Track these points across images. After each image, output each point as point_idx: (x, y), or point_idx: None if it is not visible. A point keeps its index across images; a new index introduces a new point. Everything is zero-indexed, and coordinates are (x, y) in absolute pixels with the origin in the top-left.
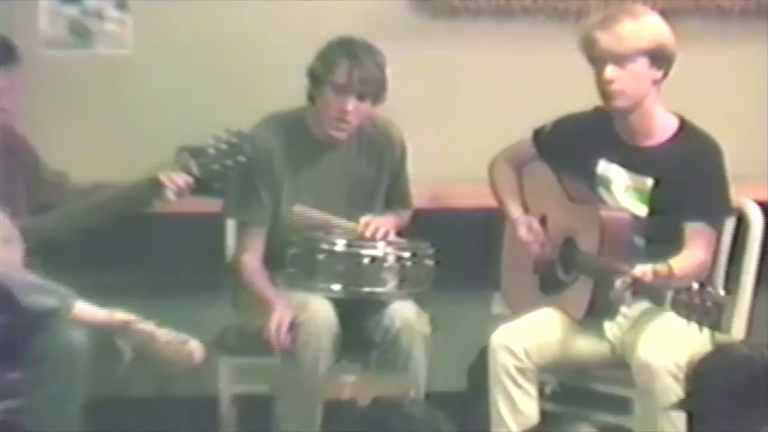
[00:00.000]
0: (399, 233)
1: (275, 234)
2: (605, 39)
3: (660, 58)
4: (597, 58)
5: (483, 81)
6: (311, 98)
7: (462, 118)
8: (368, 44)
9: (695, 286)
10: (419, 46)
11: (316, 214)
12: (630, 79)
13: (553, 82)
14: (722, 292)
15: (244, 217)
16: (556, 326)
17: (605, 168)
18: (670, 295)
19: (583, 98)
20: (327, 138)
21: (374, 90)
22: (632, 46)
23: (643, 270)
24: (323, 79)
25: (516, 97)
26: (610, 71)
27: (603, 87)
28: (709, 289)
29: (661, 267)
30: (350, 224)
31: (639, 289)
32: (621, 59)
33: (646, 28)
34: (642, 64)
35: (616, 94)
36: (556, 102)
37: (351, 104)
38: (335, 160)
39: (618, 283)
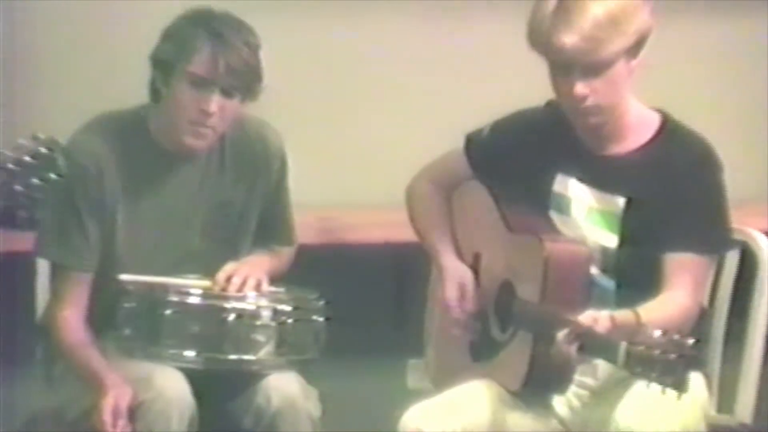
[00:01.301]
0: (276, 279)
1: (104, 281)
2: (573, 44)
3: (639, 46)
4: (560, 66)
5: (396, 71)
6: (155, 93)
7: (364, 121)
8: (235, 19)
9: (656, 333)
10: (304, 23)
11: (153, 281)
12: (608, 89)
13: (491, 69)
14: (690, 340)
15: (61, 258)
16: (487, 402)
17: (562, 184)
18: (623, 347)
19: (536, 91)
20: (179, 148)
21: (245, 82)
22: (611, 49)
23: (594, 317)
24: (175, 68)
25: (442, 92)
26: (581, 87)
27: (572, 102)
28: (674, 336)
29: (623, 314)
30: (203, 282)
31: (590, 343)
32: (596, 68)
33: (624, 15)
34: (621, 64)
35: (590, 111)
36: (498, 97)
37: (214, 102)
38: (189, 178)
39: (560, 336)
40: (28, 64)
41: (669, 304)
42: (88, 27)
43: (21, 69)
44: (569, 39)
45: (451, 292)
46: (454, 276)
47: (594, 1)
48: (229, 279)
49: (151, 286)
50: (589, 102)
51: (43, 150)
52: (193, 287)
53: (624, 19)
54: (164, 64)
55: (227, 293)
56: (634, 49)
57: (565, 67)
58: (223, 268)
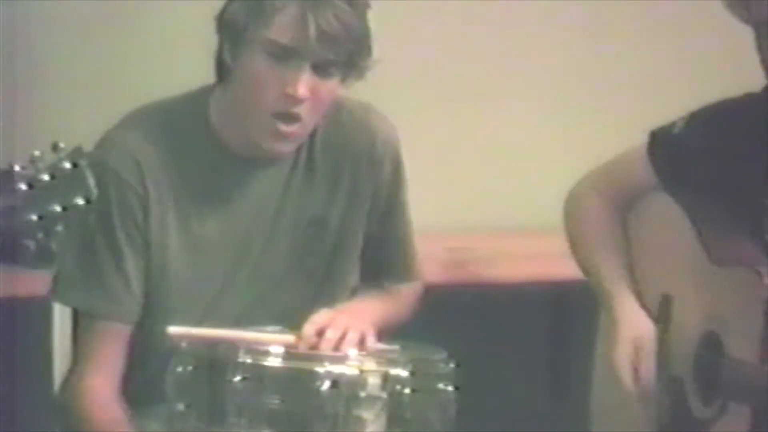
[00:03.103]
0: (390, 332)
1: (148, 337)
2: None
3: None
4: (760, 25)
5: (556, 56)
6: (222, 70)
7: (508, 117)
8: None
9: None
10: None
11: (215, 335)
12: None
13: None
14: None
15: (89, 304)
16: None
17: None
18: None
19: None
20: (255, 151)
21: (347, 55)
22: None
23: None
24: (248, 33)
25: (614, 78)
26: None
27: None
28: None
29: None
30: (285, 337)
31: None
32: None
33: None
34: None
35: None
36: (697, 83)
37: (304, 83)
38: (266, 189)
39: None
40: (28, 57)
41: None
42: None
43: (21, 65)
44: None
45: (623, 354)
46: (628, 329)
47: None
48: (321, 332)
49: (214, 343)
50: None
51: (66, 165)
52: (272, 343)
53: None
54: (233, 28)
55: (319, 352)
56: None
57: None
58: (312, 317)
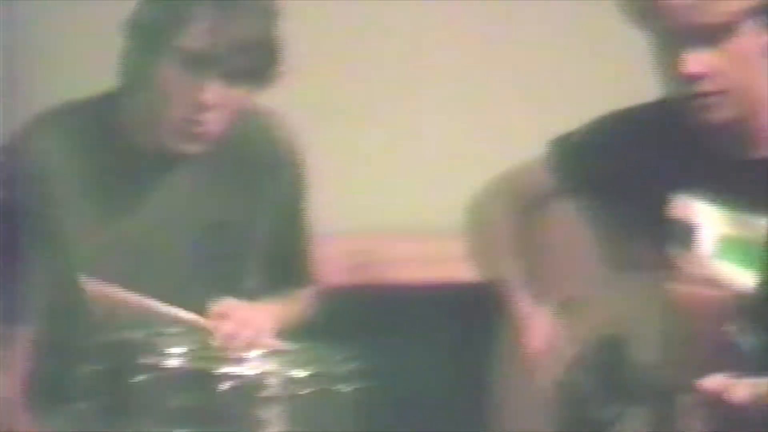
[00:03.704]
0: (289, 333)
1: (52, 335)
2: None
3: None
4: (665, 36)
5: (456, 58)
6: (132, 75)
7: (410, 121)
8: None
9: None
10: None
11: (127, 296)
12: (732, 67)
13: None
14: None
15: None
16: None
17: (685, 204)
18: None
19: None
20: (163, 153)
21: (257, 64)
22: (729, 5)
23: (727, 383)
24: (160, 40)
25: (518, 86)
26: (694, 60)
27: (683, 89)
28: None
29: None
30: (190, 316)
31: (724, 418)
32: (712, 34)
33: None
34: (750, 32)
35: (709, 105)
36: (588, 97)
37: (213, 90)
38: (173, 191)
39: (683, 407)
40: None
41: None
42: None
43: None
44: None
45: (525, 358)
46: (530, 334)
47: None
48: (221, 320)
49: (119, 343)
50: (707, 86)
51: None
52: (179, 319)
53: None
54: (145, 33)
55: (219, 353)
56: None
57: (671, 36)
58: (217, 305)
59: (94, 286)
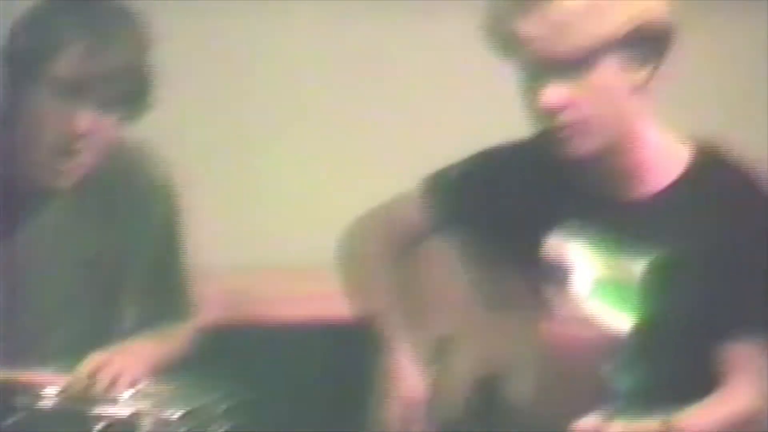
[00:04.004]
0: (164, 372)
1: None
2: (533, 33)
3: (643, 43)
4: (526, 67)
5: (332, 89)
6: (7, 108)
7: (286, 157)
8: (120, 6)
9: None
10: (218, 20)
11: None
12: (592, 100)
13: (467, 87)
14: None
15: None
16: None
17: (558, 244)
18: None
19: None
20: (34, 186)
21: (128, 92)
22: (588, 37)
23: (599, 425)
24: (32, 68)
25: (398, 118)
26: (551, 93)
27: (543, 121)
28: None
29: (645, 424)
30: (61, 378)
31: None
32: (570, 66)
33: None
34: (610, 66)
35: (566, 136)
36: (477, 127)
37: (85, 118)
38: (41, 225)
39: None
40: None
41: (721, 410)
42: None
43: None
44: (529, 24)
45: (393, 413)
46: (400, 387)
47: None
48: (95, 374)
49: None
50: (565, 118)
51: None
52: (47, 384)
53: (608, 3)
54: (16, 62)
55: (92, 394)
56: (633, 43)
57: (531, 67)
58: (87, 358)
59: None
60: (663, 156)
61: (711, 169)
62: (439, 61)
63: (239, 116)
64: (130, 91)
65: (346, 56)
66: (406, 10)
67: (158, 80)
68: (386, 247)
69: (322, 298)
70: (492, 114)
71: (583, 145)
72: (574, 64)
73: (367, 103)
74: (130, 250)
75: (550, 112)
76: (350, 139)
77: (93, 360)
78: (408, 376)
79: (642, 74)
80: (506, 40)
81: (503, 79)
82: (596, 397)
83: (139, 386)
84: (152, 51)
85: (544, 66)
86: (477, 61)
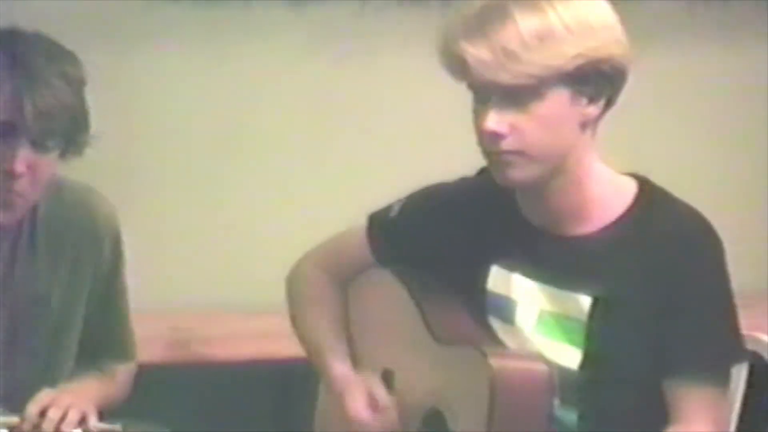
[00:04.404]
0: (110, 410)
1: None
2: (481, 58)
3: (595, 78)
4: (475, 91)
5: (277, 120)
6: None
7: (231, 193)
8: (49, 42)
9: None
10: (159, 47)
11: None
12: (535, 129)
13: (416, 120)
14: None
15: None
16: None
17: (502, 280)
18: None
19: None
20: None
21: (64, 130)
22: (537, 67)
23: None
24: None
25: (344, 152)
26: (493, 119)
27: (485, 146)
28: None
29: None
30: (8, 418)
31: None
32: (516, 95)
33: (562, 30)
34: (558, 98)
35: (507, 162)
36: (428, 162)
37: (22, 159)
38: None
39: None
40: None
41: None
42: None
43: None
44: (476, 48)
45: (357, 404)
46: (354, 384)
47: (522, 8)
48: (44, 412)
49: None
50: (506, 145)
51: None
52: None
53: (560, 35)
54: None
55: None
56: (583, 76)
57: (479, 91)
58: (34, 397)
59: None
60: (609, 191)
61: (656, 204)
62: (387, 96)
63: (182, 154)
64: (66, 129)
65: (290, 93)
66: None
67: (91, 117)
68: (332, 282)
69: (268, 336)
70: (442, 150)
71: (522, 173)
72: (520, 92)
73: (312, 139)
74: (77, 290)
75: (491, 137)
76: (298, 176)
77: (41, 398)
78: (357, 376)
79: (592, 109)
80: (454, 62)
81: (454, 114)
82: None
83: (86, 425)
84: (83, 88)
85: (489, 90)
86: (428, 96)
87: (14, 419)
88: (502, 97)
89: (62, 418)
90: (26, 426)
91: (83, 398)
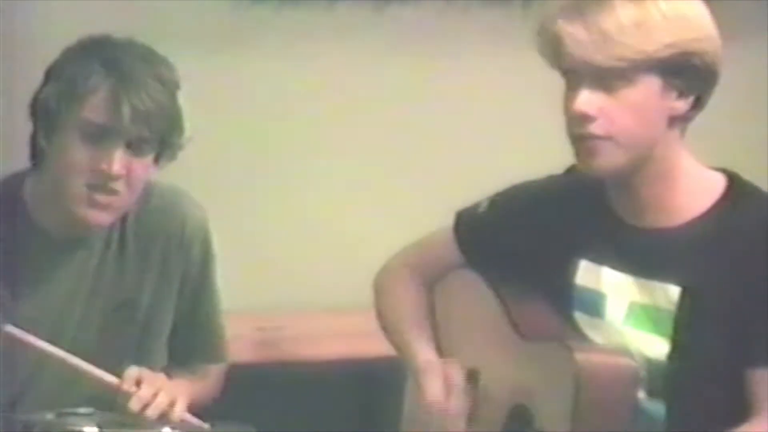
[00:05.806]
0: (199, 410)
1: None
2: (577, 37)
3: (686, 71)
4: (566, 72)
5: (362, 128)
6: (37, 154)
7: (317, 196)
8: (143, 48)
9: None
10: (245, 50)
11: (41, 345)
12: (623, 114)
13: (500, 127)
14: None
15: None
16: None
17: (591, 274)
18: None
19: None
20: (70, 231)
21: (159, 132)
22: (630, 51)
23: None
24: (62, 115)
25: (429, 155)
26: (583, 100)
27: (574, 129)
28: None
29: None
30: (108, 377)
31: None
32: (607, 77)
33: (659, 12)
34: (649, 86)
35: (596, 149)
36: (511, 165)
37: (118, 160)
38: (78, 270)
39: None
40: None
41: None
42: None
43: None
44: (569, 30)
45: (434, 390)
46: (434, 371)
47: None
48: (136, 384)
49: (29, 424)
50: (595, 129)
51: None
52: (95, 377)
53: (656, 23)
54: (47, 112)
55: (133, 425)
56: (675, 68)
57: (571, 76)
58: (127, 371)
59: (12, 332)
60: (697, 185)
61: (744, 199)
62: (472, 95)
63: (269, 156)
64: (162, 132)
65: (374, 94)
66: (434, 48)
67: (187, 120)
68: (420, 281)
69: (356, 336)
70: (527, 148)
71: (607, 161)
72: (612, 76)
73: (398, 140)
74: (166, 292)
75: (582, 119)
76: (385, 177)
77: (134, 371)
78: (440, 363)
79: (681, 104)
80: (550, 42)
81: (538, 114)
82: (631, 425)
83: (175, 412)
84: (178, 91)
85: (582, 73)
86: (512, 95)
87: (113, 379)
88: (594, 80)
89: (152, 399)
90: (125, 386)
91: (174, 387)
